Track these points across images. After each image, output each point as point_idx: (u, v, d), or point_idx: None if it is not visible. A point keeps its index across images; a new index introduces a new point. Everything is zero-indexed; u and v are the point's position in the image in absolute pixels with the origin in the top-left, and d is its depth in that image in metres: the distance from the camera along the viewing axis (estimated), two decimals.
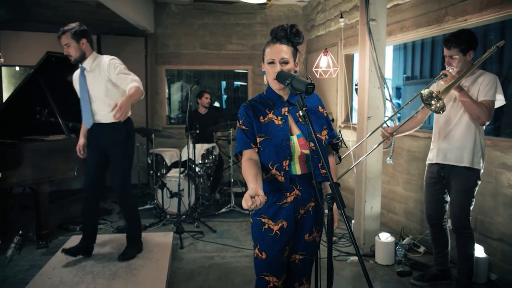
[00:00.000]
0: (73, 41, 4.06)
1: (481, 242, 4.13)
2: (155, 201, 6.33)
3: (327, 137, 2.48)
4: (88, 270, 4.05)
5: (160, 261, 4.28)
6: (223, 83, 9.71)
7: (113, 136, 4.21)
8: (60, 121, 5.08)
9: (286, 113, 2.39)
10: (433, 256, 4.11)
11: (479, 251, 3.96)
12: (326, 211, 2.14)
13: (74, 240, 4.89)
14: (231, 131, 6.62)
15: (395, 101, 12.17)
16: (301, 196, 2.38)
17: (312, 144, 2.29)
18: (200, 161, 6.55)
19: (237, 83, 9.67)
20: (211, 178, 7.01)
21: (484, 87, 3.47)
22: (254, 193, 2.02)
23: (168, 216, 6.09)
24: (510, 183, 3.89)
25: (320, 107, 2.50)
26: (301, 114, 2.11)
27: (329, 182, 2.04)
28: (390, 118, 4.65)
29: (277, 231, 2.37)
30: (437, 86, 3.76)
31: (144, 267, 4.15)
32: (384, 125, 4.63)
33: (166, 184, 6.05)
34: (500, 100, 3.50)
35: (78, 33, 4.07)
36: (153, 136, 6.54)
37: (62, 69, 5.12)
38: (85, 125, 4.31)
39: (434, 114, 3.69)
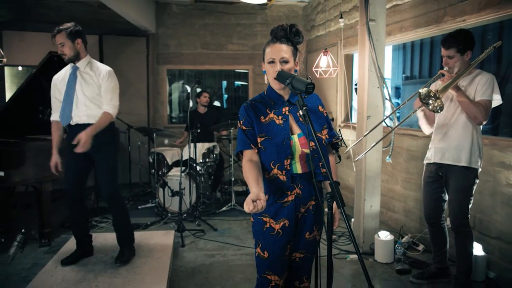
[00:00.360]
0: (68, 40, 4.03)
1: (480, 240, 4.12)
2: (157, 199, 6.33)
3: (327, 137, 2.48)
4: (90, 268, 4.05)
5: (161, 259, 4.28)
6: (224, 83, 9.71)
7: (98, 138, 4.07)
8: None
9: (287, 113, 2.38)
10: (432, 255, 4.11)
11: (477, 249, 3.96)
12: (326, 209, 2.14)
13: None
14: (231, 130, 6.61)
15: (394, 100, 12.19)
16: (302, 194, 2.38)
17: (313, 143, 2.29)
18: (201, 160, 6.55)
19: (237, 82, 9.67)
20: (212, 177, 7.01)
21: (481, 87, 3.47)
22: (255, 197, 2.03)
23: (169, 214, 6.10)
24: (508, 181, 3.89)
25: (320, 107, 2.50)
26: (301, 113, 2.10)
27: (329, 181, 2.04)
28: (388, 117, 4.64)
29: (278, 230, 2.37)
30: (435, 86, 3.76)
31: (145, 265, 4.14)
32: (384, 124, 4.64)
33: (167, 183, 6.04)
34: (497, 100, 3.50)
35: (74, 33, 4.06)
36: (154, 135, 6.54)
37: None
38: (61, 122, 4.20)
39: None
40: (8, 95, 7.70)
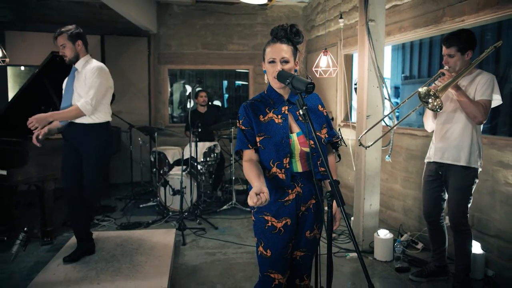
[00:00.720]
0: (69, 42, 4.10)
1: (478, 238, 4.12)
2: (158, 198, 6.33)
3: (326, 136, 2.48)
4: (92, 266, 4.05)
5: (162, 258, 4.28)
6: (225, 83, 9.72)
7: (89, 138, 4.15)
8: None
9: (286, 112, 2.38)
10: (431, 253, 4.11)
11: (476, 248, 3.95)
12: (326, 208, 2.14)
13: None
14: (232, 130, 6.61)
15: (393, 100, 12.18)
16: (303, 193, 2.38)
17: (312, 142, 2.29)
18: (202, 159, 6.55)
19: (238, 82, 9.68)
20: (213, 176, 7.01)
21: (481, 87, 3.45)
22: (258, 191, 2.04)
23: (170, 213, 6.10)
24: (506, 180, 3.89)
25: (320, 106, 2.50)
26: (301, 113, 2.10)
27: (329, 180, 2.04)
28: (387, 116, 4.64)
29: (280, 228, 2.37)
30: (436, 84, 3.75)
31: (147, 263, 4.14)
32: (383, 123, 4.63)
33: (168, 181, 6.05)
34: (497, 100, 3.48)
35: (74, 35, 4.11)
36: (155, 134, 6.53)
37: (66, 68, 5.12)
38: (60, 123, 4.24)
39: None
40: (11, 94, 7.70)
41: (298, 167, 2.38)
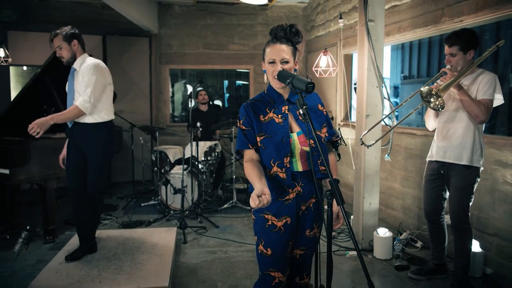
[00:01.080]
0: (65, 43, 4.09)
1: (477, 237, 4.12)
2: (159, 197, 6.32)
3: (326, 135, 2.48)
4: (93, 265, 4.05)
5: (164, 256, 4.28)
6: (225, 82, 9.72)
7: (93, 137, 4.13)
8: None
9: (286, 111, 2.38)
10: (430, 251, 4.10)
11: (475, 246, 3.95)
12: (326, 207, 2.14)
13: None
14: (233, 129, 6.61)
15: (393, 99, 12.16)
16: (303, 192, 2.37)
17: (312, 142, 2.29)
18: (203, 158, 6.55)
19: (239, 82, 9.68)
20: (214, 175, 7.01)
21: (483, 86, 3.44)
22: (260, 192, 2.03)
23: (171, 211, 6.09)
24: (505, 179, 3.88)
25: (319, 106, 2.50)
26: (301, 112, 2.10)
27: (329, 179, 2.04)
28: (387, 116, 4.64)
29: (281, 227, 2.36)
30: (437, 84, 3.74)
31: (148, 261, 4.14)
32: (383, 123, 4.63)
33: (169, 180, 6.04)
34: (498, 99, 3.46)
35: (69, 35, 4.09)
36: (157, 133, 6.54)
37: (69, 68, 5.12)
38: (68, 124, 4.22)
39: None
40: (13, 94, 7.71)
41: (299, 166, 2.37)
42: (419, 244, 4.81)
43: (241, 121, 2.39)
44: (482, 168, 3.60)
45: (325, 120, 2.50)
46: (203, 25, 8.74)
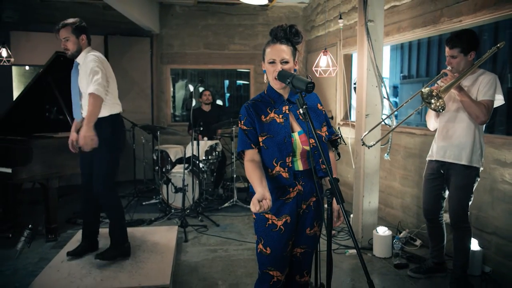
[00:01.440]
0: (73, 35, 3.92)
1: (476, 235, 4.11)
2: (160, 196, 6.33)
3: (326, 134, 2.48)
4: (95, 263, 4.04)
5: (165, 254, 4.28)
6: (226, 82, 9.72)
7: (97, 132, 3.89)
8: (69, 118, 5.07)
9: (287, 111, 2.38)
10: (429, 249, 4.10)
11: (473, 245, 3.94)
12: (326, 205, 2.14)
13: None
14: (233, 128, 6.61)
15: (392, 99, 12.15)
16: (303, 191, 2.37)
17: (313, 141, 2.29)
18: (204, 157, 6.55)
19: (239, 82, 9.67)
20: (215, 174, 7.01)
21: (484, 87, 3.43)
22: (261, 197, 2.03)
23: (173, 210, 6.09)
24: (503, 178, 3.88)
25: (318, 105, 2.51)
26: (301, 112, 2.10)
27: (329, 178, 2.04)
28: (388, 117, 4.63)
29: (281, 226, 2.36)
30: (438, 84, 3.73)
31: (149, 259, 4.14)
32: (382, 123, 4.62)
33: (171, 179, 6.04)
34: (499, 100, 3.45)
35: (79, 28, 3.94)
36: (158, 133, 6.53)
37: (71, 68, 5.12)
38: (75, 118, 4.15)
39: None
40: (16, 94, 7.71)
41: (299, 166, 2.37)
42: (418, 242, 4.80)
43: (242, 121, 2.38)
44: (481, 168, 3.60)
45: (325, 119, 2.50)
46: (204, 25, 8.74)
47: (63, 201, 5.48)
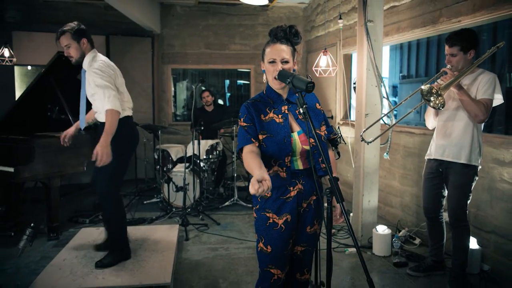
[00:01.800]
0: (74, 41, 3.77)
1: (475, 234, 4.11)
2: (162, 195, 6.33)
3: (325, 133, 2.48)
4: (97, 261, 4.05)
5: (166, 253, 4.28)
6: (227, 82, 9.72)
7: (100, 135, 3.78)
8: (70, 118, 5.07)
9: (286, 111, 2.38)
10: (428, 248, 4.09)
11: (472, 243, 3.94)
12: (326, 204, 2.14)
13: (83, 232, 4.91)
14: (234, 128, 6.61)
15: (391, 99, 12.15)
16: (304, 190, 2.38)
17: (312, 140, 2.29)
18: (205, 157, 6.55)
19: (240, 81, 9.67)
20: (215, 173, 7.02)
21: (483, 86, 3.42)
22: (260, 178, 1.95)
23: (174, 209, 6.09)
24: (502, 177, 3.88)
25: (317, 104, 2.52)
26: (301, 111, 2.10)
27: (329, 177, 2.04)
28: (386, 115, 4.63)
29: (282, 225, 2.36)
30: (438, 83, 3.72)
31: (151, 258, 4.14)
32: (381, 122, 4.62)
33: (172, 178, 6.04)
34: (498, 99, 3.44)
35: (78, 32, 3.78)
36: (159, 132, 6.53)
37: (72, 68, 5.11)
38: (80, 127, 4.10)
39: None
40: (18, 93, 7.71)
41: (299, 165, 2.37)
42: (417, 241, 4.80)
43: (242, 119, 2.37)
44: (480, 167, 3.59)
45: (323, 118, 2.51)
46: (205, 25, 8.74)
47: (65, 200, 5.48)
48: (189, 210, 5.94)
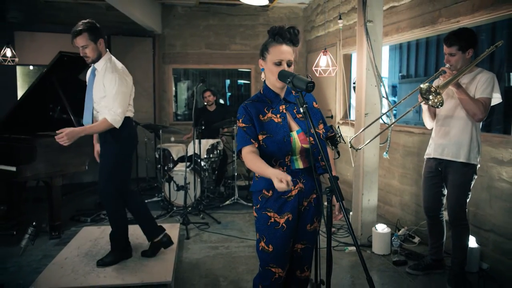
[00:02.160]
0: (91, 42, 3.65)
1: (474, 233, 4.11)
2: (163, 193, 6.33)
3: (323, 131, 2.49)
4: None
5: (167, 251, 4.28)
6: (227, 81, 9.72)
7: (103, 136, 3.85)
8: (72, 117, 5.06)
9: (284, 111, 2.39)
10: (428, 246, 4.09)
11: (471, 242, 3.94)
12: (325, 203, 2.14)
13: (85, 231, 4.91)
14: (234, 127, 6.61)
15: (391, 98, 12.16)
16: (305, 188, 2.38)
17: (311, 139, 2.29)
18: (205, 156, 6.54)
19: (240, 81, 9.68)
20: (216, 172, 7.01)
21: (482, 85, 3.42)
22: (280, 176, 1.98)
23: (175, 208, 6.10)
24: (500, 176, 3.87)
25: (314, 103, 2.53)
26: (301, 111, 2.10)
27: (329, 176, 2.04)
28: (385, 114, 4.63)
29: (283, 224, 2.36)
30: (437, 82, 3.72)
31: (152, 257, 4.14)
32: (381, 121, 4.62)
33: (173, 177, 6.04)
34: (496, 98, 3.44)
35: (96, 32, 3.66)
36: (160, 132, 6.53)
37: (74, 68, 5.13)
38: (84, 123, 3.99)
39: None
40: (20, 93, 7.70)
41: (299, 164, 2.38)
42: (416, 239, 4.80)
43: (240, 120, 2.37)
44: (479, 165, 3.59)
45: (320, 117, 2.53)
46: (206, 25, 8.73)
47: (66, 199, 5.48)
48: (190, 209, 5.94)
